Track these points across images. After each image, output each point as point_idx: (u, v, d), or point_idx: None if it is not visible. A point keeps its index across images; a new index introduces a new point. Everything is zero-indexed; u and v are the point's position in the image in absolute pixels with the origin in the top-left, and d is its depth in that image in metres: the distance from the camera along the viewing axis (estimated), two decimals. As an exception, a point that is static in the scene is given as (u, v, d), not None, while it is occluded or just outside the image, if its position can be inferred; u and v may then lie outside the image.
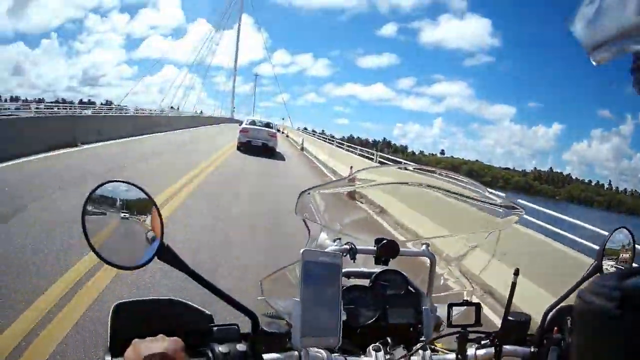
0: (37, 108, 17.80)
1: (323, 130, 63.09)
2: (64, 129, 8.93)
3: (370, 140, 79.66)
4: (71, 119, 11.01)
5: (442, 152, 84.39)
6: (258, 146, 13.43)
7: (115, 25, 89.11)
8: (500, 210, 0.80)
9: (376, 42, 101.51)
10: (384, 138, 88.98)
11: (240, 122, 18.98)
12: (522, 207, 0.82)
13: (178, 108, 42.72)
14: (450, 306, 0.71)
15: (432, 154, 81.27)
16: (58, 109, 18.76)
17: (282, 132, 32.22)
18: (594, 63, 0.37)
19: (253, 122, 14.77)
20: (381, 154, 13.84)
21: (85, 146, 8.93)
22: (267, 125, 14.87)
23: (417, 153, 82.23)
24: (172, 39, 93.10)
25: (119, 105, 30.97)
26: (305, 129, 42.13)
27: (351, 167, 8.36)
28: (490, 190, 0.87)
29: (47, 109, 18.85)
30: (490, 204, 0.80)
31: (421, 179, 0.86)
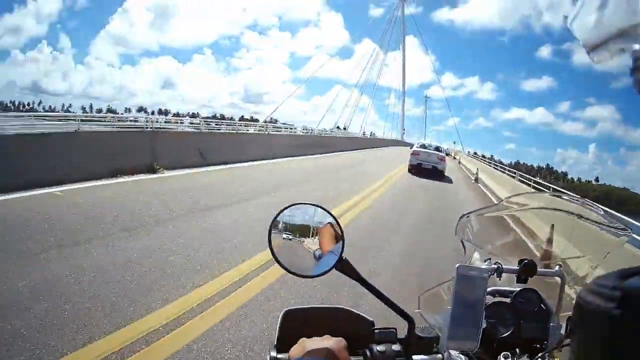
0: (191, 122, 16.67)
1: (492, 156, 59.74)
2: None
3: (535, 167, 78.29)
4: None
5: (597, 180, 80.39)
6: (428, 169, 13.93)
7: (277, 43, 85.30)
8: (614, 231, 0.85)
9: (535, 65, 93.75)
10: (547, 164, 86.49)
11: (411, 145, 19.69)
12: (629, 227, 0.86)
13: (345, 128, 43.62)
14: (567, 320, 0.73)
15: (588, 181, 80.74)
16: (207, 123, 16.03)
17: (454, 158, 30.26)
18: (594, 62, 0.37)
19: (423, 146, 15.49)
20: (537, 179, 12.81)
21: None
22: (437, 148, 15.33)
23: (575, 180, 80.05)
24: (339, 59, 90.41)
25: (284, 124, 31.26)
26: (475, 153, 40.91)
27: None
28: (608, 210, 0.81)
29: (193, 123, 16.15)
30: (608, 225, 0.84)
31: (562, 203, 0.95)
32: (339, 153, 19.72)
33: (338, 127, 40.46)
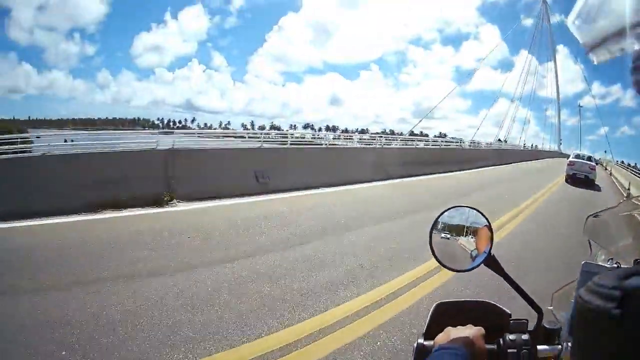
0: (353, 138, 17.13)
1: (636, 164, 47.77)
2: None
3: None
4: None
5: None
6: (581, 178, 14.46)
7: (442, 58, 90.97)
8: None
9: None
10: None
11: (567, 156, 19.76)
12: None
13: (506, 141, 40.59)
14: None
15: None
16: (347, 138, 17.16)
17: (606, 168, 25.76)
18: (593, 62, 0.37)
19: (578, 156, 16.09)
20: None
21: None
22: (589, 158, 16.01)
23: None
24: (501, 72, 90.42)
25: (453, 138, 30.51)
26: (623, 162, 33.16)
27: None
28: None
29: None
30: None
31: None
32: (484, 169, 17.36)
33: (500, 140, 36.62)
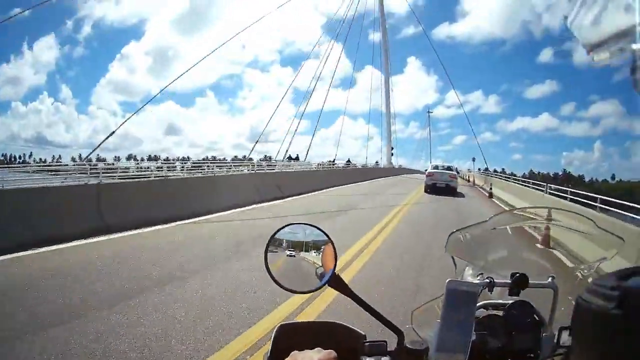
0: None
1: (503, 169, 60.69)
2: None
3: (551, 174, 75.30)
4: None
5: (613, 177, 76.99)
6: (442, 187, 15.08)
7: (280, 79, 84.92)
8: (608, 240, 0.91)
9: (537, 70, 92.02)
10: (564, 170, 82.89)
11: (404, 170, 21.04)
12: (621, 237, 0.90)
13: (349, 161, 37.37)
14: (560, 330, 0.78)
15: (605, 180, 76.09)
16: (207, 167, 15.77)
17: (468, 180, 28.81)
18: (594, 62, 0.37)
19: (436, 167, 16.87)
20: (555, 186, 12.28)
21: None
22: (449, 168, 17.00)
23: (587, 180, 76.86)
24: (342, 90, 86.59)
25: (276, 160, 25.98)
26: (487, 169, 37.80)
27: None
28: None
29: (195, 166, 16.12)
30: (601, 235, 0.90)
31: (556, 216, 1.04)
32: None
33: (331, 162, 32.04)
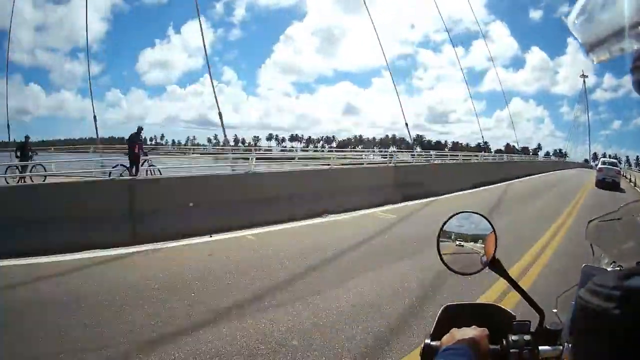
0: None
1: None
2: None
3: None
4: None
5: None
6: (610, 182, 16.02)
7: (452, 59, 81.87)
8: None
9: None
10: None
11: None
12: None
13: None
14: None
15: None
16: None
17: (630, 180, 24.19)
18: (594, 62, 0.37)
19: (604, 163, 17.83)
20: None
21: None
22: (614, 164, 18.07)
23: None
24: (512, 70, 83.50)
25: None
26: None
27: None
28: None
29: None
30: None
31: None
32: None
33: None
